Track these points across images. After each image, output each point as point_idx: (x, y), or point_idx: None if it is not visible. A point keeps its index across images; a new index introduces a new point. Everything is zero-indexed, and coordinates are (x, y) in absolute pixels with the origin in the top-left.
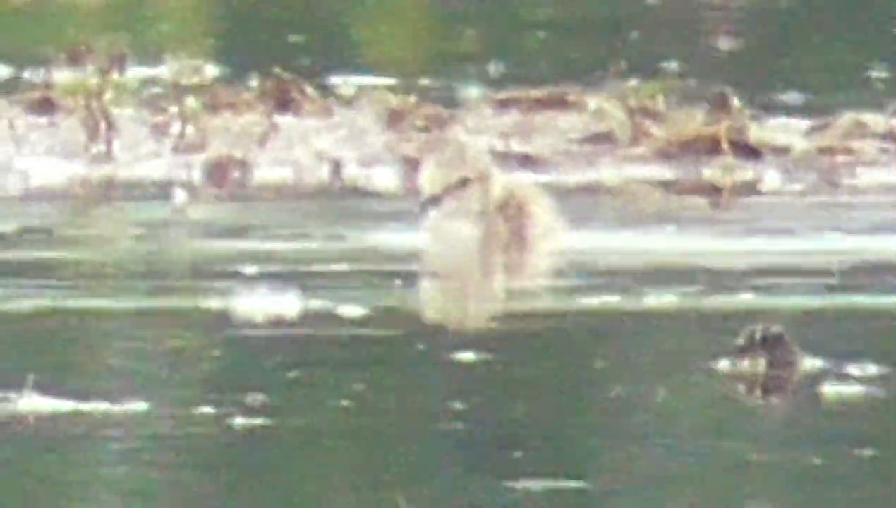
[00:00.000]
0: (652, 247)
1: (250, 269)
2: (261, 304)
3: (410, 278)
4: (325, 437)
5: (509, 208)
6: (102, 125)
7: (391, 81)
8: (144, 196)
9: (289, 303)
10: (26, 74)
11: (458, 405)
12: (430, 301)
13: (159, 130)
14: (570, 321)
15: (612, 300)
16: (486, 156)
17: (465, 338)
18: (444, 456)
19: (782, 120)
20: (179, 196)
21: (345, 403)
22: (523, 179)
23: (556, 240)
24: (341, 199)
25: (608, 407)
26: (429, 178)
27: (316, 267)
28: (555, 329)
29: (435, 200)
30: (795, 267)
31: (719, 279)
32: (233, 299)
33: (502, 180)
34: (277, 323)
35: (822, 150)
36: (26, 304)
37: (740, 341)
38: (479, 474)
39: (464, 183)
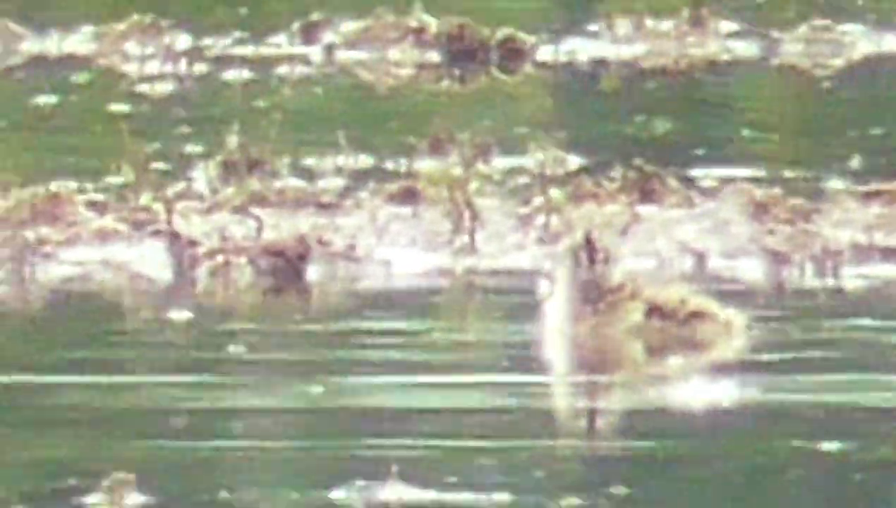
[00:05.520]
0: None
1: None
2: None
3: None
4: None
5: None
6: (466, 215)
7: (755, 173)
8: (509, 287)
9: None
10: (388, 164)
11: None
12: None
13: (524, 221)
14: None
15: None
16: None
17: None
18: None
19: None
20: (545, 287)
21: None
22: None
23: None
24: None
25: None
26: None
27: None
28: None
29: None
30: None
31: None
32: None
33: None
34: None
35: None
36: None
37: None
38: None
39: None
